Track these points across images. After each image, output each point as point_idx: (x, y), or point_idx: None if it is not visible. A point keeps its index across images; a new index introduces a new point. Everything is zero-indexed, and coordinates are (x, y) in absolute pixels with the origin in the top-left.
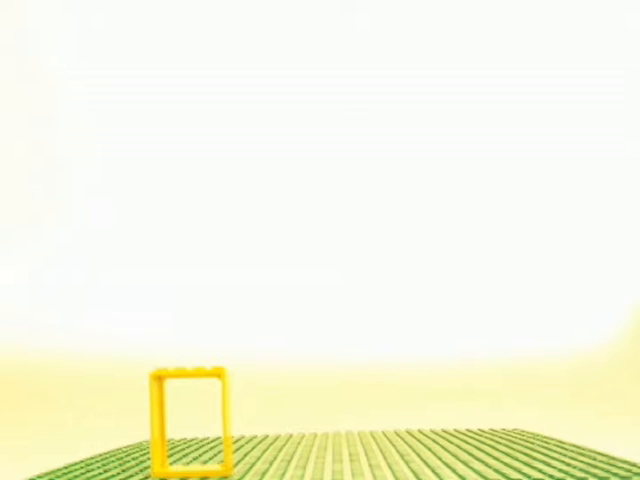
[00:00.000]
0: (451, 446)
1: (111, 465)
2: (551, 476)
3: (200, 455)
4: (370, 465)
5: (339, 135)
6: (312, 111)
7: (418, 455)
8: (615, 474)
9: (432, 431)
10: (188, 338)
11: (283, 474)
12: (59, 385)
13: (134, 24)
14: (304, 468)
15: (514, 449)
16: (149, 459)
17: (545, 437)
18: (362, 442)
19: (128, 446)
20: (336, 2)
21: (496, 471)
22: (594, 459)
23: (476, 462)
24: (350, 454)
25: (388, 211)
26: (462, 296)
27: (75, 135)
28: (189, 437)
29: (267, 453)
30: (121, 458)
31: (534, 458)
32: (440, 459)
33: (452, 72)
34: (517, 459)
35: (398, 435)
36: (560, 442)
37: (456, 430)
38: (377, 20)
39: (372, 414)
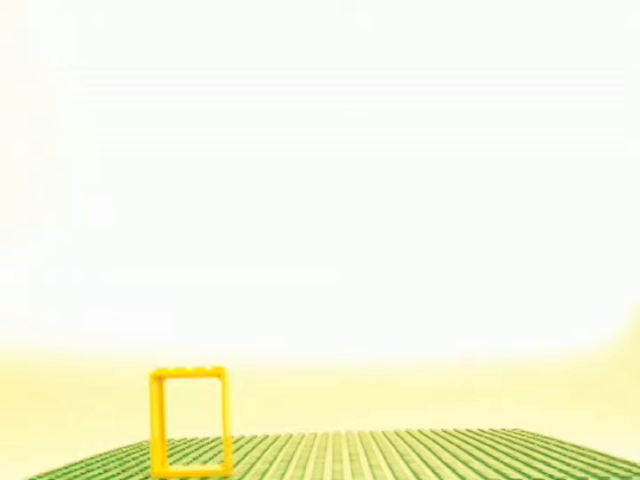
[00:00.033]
0: (451, 446)
1: (111, 465)
2: (551, 476)
3: (200, 455)
4: (370, 465)
5: (339, 135)
6: (312, 111)
7: (418, 455)
8: (615, 474)
9: (432, 431)
10: (188, 338)
11: (283, 474)
12: (59, 385)
13: (134, 24)
14: (304, 468)
15: (514, 449)
16: (149, 459)
17: (545, 437)
18: (362, 442)
19: (128, 446)
20: (336, 2)
21: (496, 471)
22: (594, 459)
23: (476, 462)
24: (350, 454)
25: (388, 211)
26: (462, 296)
27: (75, 135)
28: (189, 437)
29: (267, 453)
30: (121, 458)
31: (534, 458)
32: (440, 459)
33: (452, 72)
34: (517, 459)
35: (398, 435)
36: (560, 442)
37: (456, 430)
38: (377, 20)
39: (372, 414)
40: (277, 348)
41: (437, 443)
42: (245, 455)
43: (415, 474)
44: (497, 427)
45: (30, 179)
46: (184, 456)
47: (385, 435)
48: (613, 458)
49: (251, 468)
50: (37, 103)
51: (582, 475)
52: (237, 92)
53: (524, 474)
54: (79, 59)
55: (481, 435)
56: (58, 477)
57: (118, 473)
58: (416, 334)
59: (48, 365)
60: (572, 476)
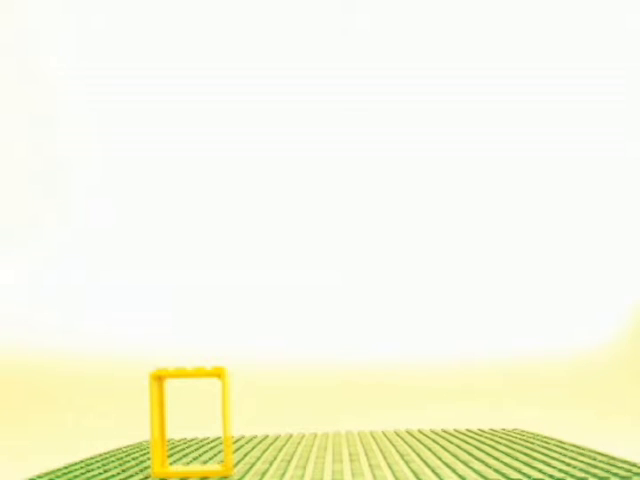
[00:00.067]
0: (451, 446)
1: (111, 465)
2: (551, 476)
3: (200, 455)
4: (370, 465)
5: (339, 135)
6: (312, 111)
7: (418, 455)
8: (615, 474)
9: (432, 431)
10: (188, 338)
11: (283, 474)
12: (59, 385)
13: (134, 24)
14: (304, 468)
15: (514, 449)
16: (149, 459)
17: (545, 437)
18: (362, 442)
19: (128, 446)
20: (336, 2)
21: (496, 471)
22: (594, 459)
23: (476, 462)
24: (350, 454)
25: (388, 211)
26: (462, 296)
27: (75, 135)
28: (189, 437)
29: (267, 453)
30: (121, 458)
31: (534, 458)
32: (440, 459)
33: (452, 72)
34: (517, 459)
35: (398, 435)
36: (560, 442)
37: (456, 430)
38: (377, 20)
39: (372, 414)
40: (277, 348)
41: (437, 443)
42: (245, 455)
43: (415, 474)
44: (497, 427)
45: (30, 179)
46: (184, 456)
47: (385, 435)
48: (613, 458)
49: (251, 468)
50: (37, 103)
51: (582, 475)
52: (237, 92)
53: (524, 474)
54: (79, 59)
55: (481, 435)
56: (58, 477)
57: (118, 473)
58: (416, 334)
59: (48, 365)
60: (572, 476)
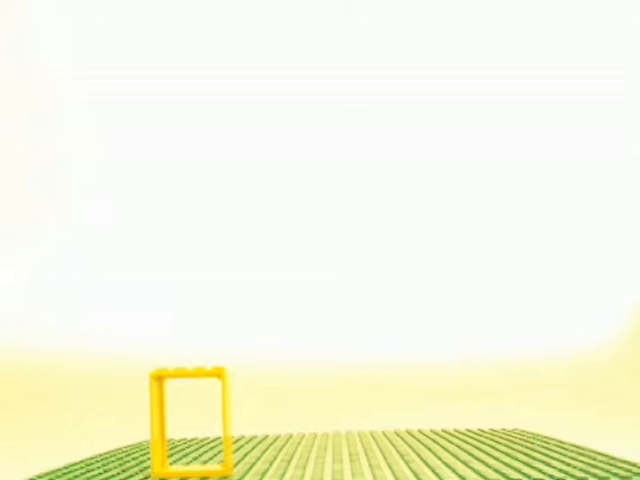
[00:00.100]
0: (451, 446)
1: (111, 465)
2: (551, 476)
3: (200, 455)
4: (370, 465)
5: (339, 135)
6: (312, 111)
7: (418, 455)
8: (615, 474)
9: (432, 431)
10: (188, 338)
11: (283, 474)
12: (59, 385)
13: (134, 24)
14: (304, 468)
15: (514, 449)
16: (149, 459)
17: (545, 437)
18: (362, 442)
19: (128, 446)
20: (336, 2)
21: (496, 471)
22: (594, 459)
23: (476, 462)
24: (350, 454)
25: (388, 211)
26: (462, 296)
27: (75, 135)
28: (189, 437)
29: (267, 453)
30: (121, 458)
31: (534, 458)
32: (440, 459)
33: (452, 72)
34: (517, 459)
35: (398, 435)
36: (560, 442)
37: (456, 430)
38: (377, 20)
39: (372, 414)
40: (277, 348)
41: (437, 443)
42: (245, 455)
43: (415, 474)
44: (497, 427)
45: (30, 179)
46: (184, 456)
47: (385, 435)
48: (613, 458)
49: (251, 468)
50: (37, 103)
51: (582, 475)
52: (237, 92)
53: (524, 474)
54: (79, 59)
55: (481, 435)
56: (58, 477)
57: (118, 473)
58: (416, 334)
59: (48, 365)
60: (572, 476)
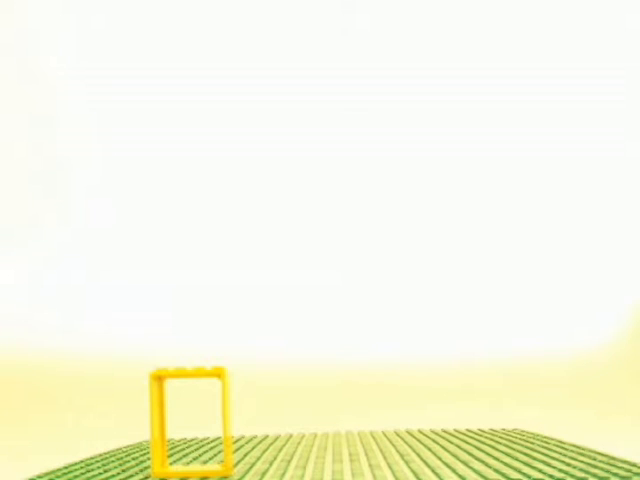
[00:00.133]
0: (451, 446)
1: (111, 465)
2: (551, 476)
3: (200, 455)
4: (370, 465)
5: (339, 135)
6: (312, 111)
7: (418, 455)
8: (615, 474)
9: (432, 431)
10: (188, 338)
11: (283, 474)
12: (59, 385)
13: (134, 24)
14: (304, 468)
15: (514, 449)
16: (149, 459)
17: (545, 437)
18: (362, 442)
19: (128, 446)
20: (336, 2)
21: (496, 471)
22: (594, 459)
23: (476, 462)
24: (350, 454)
25: (388, 211)
26: (462, 296)
27: (75, 135)
28: (189, 437)
29: (267, 453)
30: (121, 458)
31: (534, 458)
32: (440, 459)
33: (452, 72)
34: (517, 459)
35: (398, 435)
36: (560, 442)
37: (456, 430)
38: (377, 20)
39: (372, 414)
40: (277, 348)
41: (437, 443)
42: (245, 455)
43: (415, 474)
44: (497, 427)
45: (30, 179)
46: (184, 456)
47: (385, 435)
48: (613, 458)
49: (251, 468)
50: (37, 103)
51: (582, 475)
52: (237, 92)
53: (524, 474)
54: (79, 59)
55: (481, 435)
56: (58, 477)
57: (118, 473)
58: (416, 334)
59: (48, 365)
60: (572, 476)
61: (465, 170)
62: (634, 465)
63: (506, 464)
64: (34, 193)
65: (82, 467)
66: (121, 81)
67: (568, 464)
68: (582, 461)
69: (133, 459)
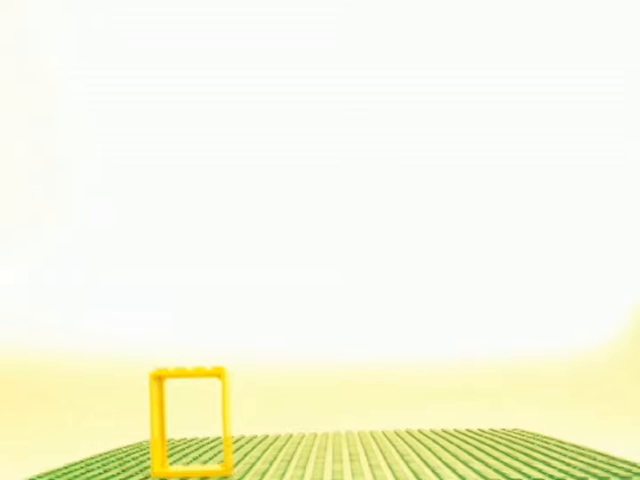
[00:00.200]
0: (451, 446)
1: (111, 465)
2: (551, 476)
3: (200, 455)
4: (370, 465)
5: (339, 135)
6: (312, 111)
7: (418, 455)
8: (615, 474)
9: (432, 431)
10: (188, 338)
11: (283, 474)
12: (59, 385)
13: (134, 24)
14: (304, 468)
15: (514, 449)
16: (149, 459)
17: (545, 437)
18: (362, 442)
19: (128, 446)
20: (336, 2)
21: (496, 471)
22: (594, 459)
23: (476, 462)
24: (350, 454)
25: (388, 211)
26: (462, 296)
27: (75, 135)
28: (189, 437)
29: (267, 453)
30: (121, 458)
31: (534, 458)
32: (440, 459)
33: (452, 72)
34: (517, 459)
35: (398, 435)
36: (560, 442)
37: (456, 430)
38: (377, 20)
39: (372, 414)
40: (277, 348)
41: (437, 443)
42: (245, 455)
43: (415, 474)
44: (497, 427)
45: (30, 179)
46: (184, 456)
47: (385, 435)
48: (613, 458)
49: (251, 468)
50: (37, 103)
51: (582, 475)
52: (237, 92)
53: (524, 474)
54: (79, 59)
55: (481, 435)
56: (58, 477)
57: (118, 473)
58: (416, 334)
59: (48, 365)
60: (572, 476)
61: (465, 170)
62: (634, 465)
63: (506, 464)
64: (34, 193)
65: (82, 467)
66: (121, 81)
67: (568, 464)
68: (582, 461)
69: (133, 459)
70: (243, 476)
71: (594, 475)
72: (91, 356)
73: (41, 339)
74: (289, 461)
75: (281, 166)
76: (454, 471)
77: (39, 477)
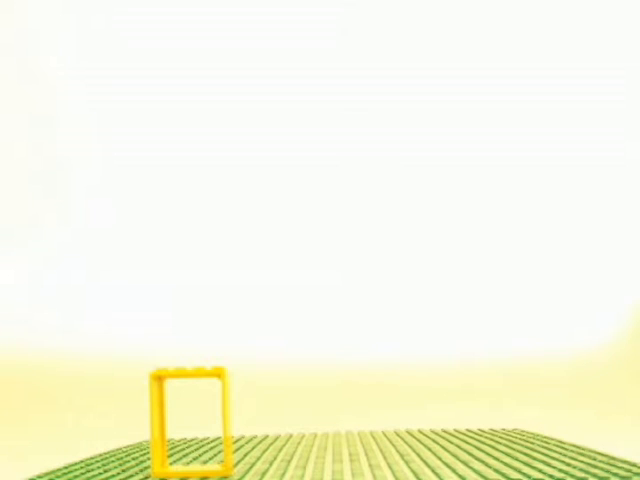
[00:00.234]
0: (451, 446)
1: (111, 465)
2: (551, 476)
3: (200, 455)
4: (370, 465)
5: (339, 135)
6: (312, 111)
7: (418, 455)
8: (615, 474)
9: (432, 431)
10: (188, 338)
11: (283, 474)
12: (59, 385)
13: (134, 24)
14: (304, 468)
15: (514, 449)
16: (149, 459)
17: (545, 437)
18: (362, 442)
19: (128, 446)
20: (336, 2)
21: (496, 471)
22: (594, 459)
23: (476, 462)
24: (350, 454)
25: (388, 211)
26: (462, 296)
27: (75, 135)
28: (189, 437)
29: (267, 453)
30: (121, 458)
31: (534, 458)
32: (440, 459)
33: (452, 72)
34: (517, 459)
35: (398, 435)
36: (560, 442)
37: (456, 430)
38: (377, 20)
39: (372, 414)
40: (277, 348)
41: (437, 443)
42: (245, 455)
43: (415, 474)
44: (497, 427)
45: (30, 179)
46: (184, 456)
47: (385, 435)
48: (613, 458)
49: (251, 468)
50: (37, 103)
51: (582, 475)
52: (237, 92)
53: (524, 474)
54: (79, 59)
55: (481, 435)
56: (58, 477)
57: (118, 473)
58: (416, 334)
59: (48, 365)
60: (572, 476)
61: (465, 170)
62: (634, 465)
63: (506, 464)
64: (34, 193)
65: (82, 467)
66: (121, 81)
67: (568, 464)
68: (582, 461)
69: (133, 459)
70: (243, 476)
71: (594, 475)
72: (91, 356)
73: (41, 339)
74: (289, 461)
75: (281, 166)
76: (454, 471)
77: (39, 477)
